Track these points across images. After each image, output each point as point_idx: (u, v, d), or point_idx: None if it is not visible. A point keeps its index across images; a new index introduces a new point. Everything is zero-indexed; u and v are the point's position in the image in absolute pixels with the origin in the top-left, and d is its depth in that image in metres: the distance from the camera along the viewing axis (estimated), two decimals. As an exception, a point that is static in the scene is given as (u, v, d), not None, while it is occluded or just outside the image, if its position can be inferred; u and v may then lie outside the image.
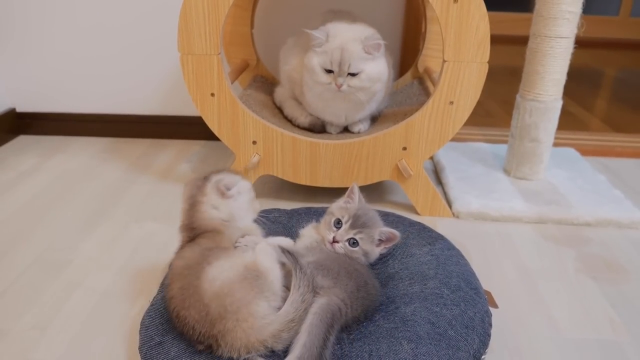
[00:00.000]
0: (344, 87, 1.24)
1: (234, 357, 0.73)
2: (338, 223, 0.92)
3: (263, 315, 0.74)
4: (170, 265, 0.88)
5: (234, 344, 0.73)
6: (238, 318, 0.73)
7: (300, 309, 0.75)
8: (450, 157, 1.59)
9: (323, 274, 0.82)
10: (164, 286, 0.89)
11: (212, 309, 0.74)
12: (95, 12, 1.69)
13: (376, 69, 1.25)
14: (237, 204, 0.90)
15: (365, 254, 0.92)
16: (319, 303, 0.76)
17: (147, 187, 1.47)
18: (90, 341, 0.91)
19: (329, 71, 1.24)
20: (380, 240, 0.94)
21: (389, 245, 0.96)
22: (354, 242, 0.91)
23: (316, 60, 1.25)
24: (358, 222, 0.91)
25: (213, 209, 0.89)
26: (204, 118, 1.29)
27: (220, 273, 0.77)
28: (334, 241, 0.91)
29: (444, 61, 1.20)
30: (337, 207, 0.96)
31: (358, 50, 1.22)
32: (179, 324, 0.78)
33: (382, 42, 1.23)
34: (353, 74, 1.23)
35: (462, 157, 1.60)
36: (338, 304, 0.78)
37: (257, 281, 0.76)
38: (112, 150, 1.73)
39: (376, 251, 0.94)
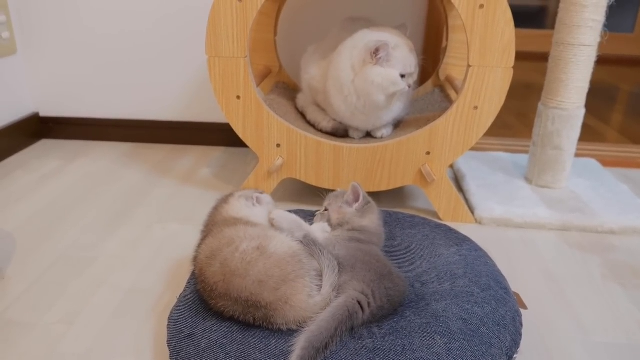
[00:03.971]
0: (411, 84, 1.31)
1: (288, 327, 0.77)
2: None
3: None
4: (195, 258, 0.90)
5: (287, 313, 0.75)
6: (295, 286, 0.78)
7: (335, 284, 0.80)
8: (471, 166, 1.59)
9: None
10: (194, 275, 0.90)
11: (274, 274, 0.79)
12: (118, 19, 1.72)
13: None
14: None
15: None
16: (336, 302, 0.77)
17: (169, 190, 1.48)
18: (116, 336, 0.91)
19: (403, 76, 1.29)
20: None
21: None
22: None
23: (395, 73, 1.25)
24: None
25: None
26: (229, 121, 1.30)
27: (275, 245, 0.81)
28: None
29: (469, 66, 1.20)
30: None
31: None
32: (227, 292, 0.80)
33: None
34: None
35: (483, 165, 1.60)
36: (357, 297, 0.78)
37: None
38: (133, 154, 1.75)
39: None
